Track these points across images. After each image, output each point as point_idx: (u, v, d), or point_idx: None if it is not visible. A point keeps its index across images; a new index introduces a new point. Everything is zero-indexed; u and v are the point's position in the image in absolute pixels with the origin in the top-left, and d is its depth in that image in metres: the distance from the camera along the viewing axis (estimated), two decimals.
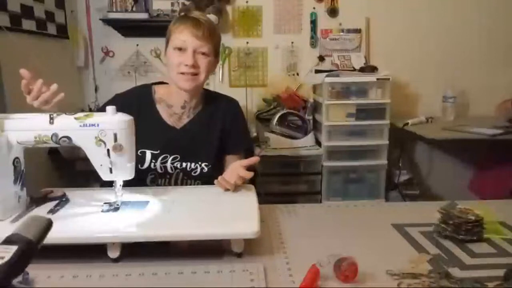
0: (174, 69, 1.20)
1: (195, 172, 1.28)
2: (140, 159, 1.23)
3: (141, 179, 1.24)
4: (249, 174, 1.12)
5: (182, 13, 1.28)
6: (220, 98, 1.37)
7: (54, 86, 1.00)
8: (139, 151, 1.22)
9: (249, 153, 1.31)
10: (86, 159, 0.94)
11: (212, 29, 1.22)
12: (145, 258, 0.83)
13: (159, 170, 1.26)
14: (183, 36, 1.18)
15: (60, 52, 2.35)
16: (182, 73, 1.19)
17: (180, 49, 1.19)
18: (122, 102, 1.24)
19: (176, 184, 1.28)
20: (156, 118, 1.28)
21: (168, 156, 1.26)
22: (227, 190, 1.10)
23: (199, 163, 1.27)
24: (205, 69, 1.21)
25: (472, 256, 0.87)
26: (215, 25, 1.25)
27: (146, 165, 1.25)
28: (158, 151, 1.25)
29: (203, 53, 1.19)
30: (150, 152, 1.25)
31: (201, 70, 1.21)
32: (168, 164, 1.26)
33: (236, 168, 1.13)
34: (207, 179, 1.23)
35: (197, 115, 1.31)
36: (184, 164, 1.27)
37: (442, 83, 2.55)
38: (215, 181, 1.11)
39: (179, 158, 1.26)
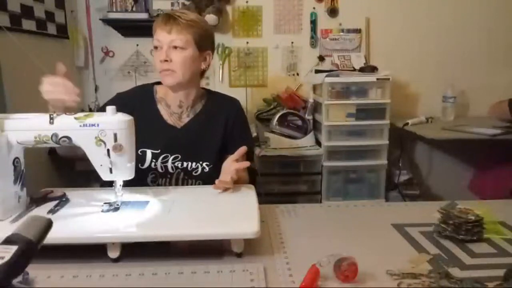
0: (157, 68, 1.22)
1: (196, 172, 1.28)
2: (140, 159, 1.23)
3: (142, 178, 1.24)
4: (244, 164, 1.12)
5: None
6: (221, 98, 1.38)
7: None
8: (139, 150, 1.22)
9: (249, 154, 1.31)
10: (84, 159, 0.94)
11: (188, 21, 1.19)
12: (145, 258, 0.83)
13: (159, 170, 1.26)
14: (157, 35, 1.20)
15: (60, 52, 2.35)
16: (162, 71, 1.20)
17: (156, 48, 1.21)
18: (123, 101, 1.25)
19: (176, 183, 1.28)
20: (157, 117, 1.28)
21: (169, 155, 1.26)
22: (226, 189, 1.10)
23: (200, 162, 1.27)
24: (181, 63, 1.19)
25: (472, 256, 0.87)
26: (194, 17, 1.22)
27: (146, 164, 1.25)
28: (159, 151, 1.25)
29: (176, 47, 1.18)
30: (150, 151, 1.25)
31: (177, 65, 1.19)
32: (169, 164, 1.26)
33: (228, 165, 1.14)
34: (208, 179, 1.23)
35: (197, 115, 1.31)
36: (185, 164, 1.27)
37: (442, 83, 2.54)
38: (213, 186, 1.10)
39: (180, 157, 1.26)
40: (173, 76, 1.20)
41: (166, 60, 1.18)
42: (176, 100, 1.28)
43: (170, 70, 1.19)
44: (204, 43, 1.24)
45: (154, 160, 1.25)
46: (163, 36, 1.18)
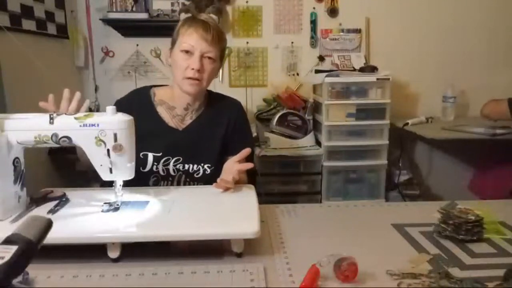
0: (179, 72, 1.20)
1: (197, 174, 1.27)
2: (142, 162, 1.22)
3: (144, 181, 1.24)
4: (247, 165, 1.12)
5: (190, 15, 1.28)
6: (223, 99, 1.37)
7: (78, 95, 1.02)
8: (141, 154, 1.21)
9: (250, 155, 1.31)
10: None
11: (221, 33, 1.22)
12: (145, 258, 0.83)
13: (161, 173, 1.26)
14: (192, 40, 1.17)
15: (60, 52, 2.35)
16: (188, 78, 1.19)
17: (187, 52, 1.18)
18: (123, 107, 1.24)
19: (178, 186, 1.27)
20: (157, 120, 1.27)
21: (171, 158, 1.26)
22: (227, 189, 1.09)
23: (202, 164, 1.27)
24: (209, 74, 1.21)
25: (472, 256, 0.87)
26: (222, 30, 1.25)
27: (148, 167, 1.24)
28: (160, 154, 1.25)
29: (210, 58, 1.19)
30: (152, 154, 1.24)
31: (206, 75, 1.20)
32: (171, 167, 1.26)
33: (230, 165, 1.14)
34: (209, 180, 1.22)
35: (199, 116, 1.30)
36: (186, 166, 1.27)
37: (442, 83, 2.54)
38: (214, 184, 1.10)
39: (181, 160, 1.26)
40: (199, 85, 1.21)
41: (198, 70, 1.17)
42: (184, 103, 1.27)
43: (198, 79, 1.19)
44: (223, 56, 1.28)
45: (155, 163, 1.25)
46: (201, 44, 1.17)
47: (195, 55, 1.17)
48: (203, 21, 1.20)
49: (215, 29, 1.19)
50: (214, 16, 2.30)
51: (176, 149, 1.25)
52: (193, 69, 1.17)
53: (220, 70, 2.57)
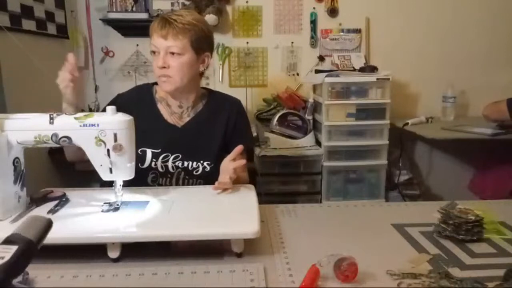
0: (155, 73, 1.22)
1: (196, 171, 1.28)
2: (140, 158, 1.23)
3: (142, 178, 1.24)
4: (240, 162, 1.12)
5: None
6: (223, 98, 1.38)
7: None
8: (139, 150, 1.21)
9: (250, 153, 1.31)
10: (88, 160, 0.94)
11: (185, 24, 1.17)
12: (145, 258, 0.83)
13: (160, 169, 1.26)
14: (154, 40, 1.19)
15: (60, 52, 2.34)
16: (159, 76, 1.20)
17: (155, 53, 1.20)
18: (124, 101, 1.25)
19: (177, 183, 1.28)
20: (157, 116, 1.28)
21: (170, 155, 1.26)
22: (226, 190, 1.09)
23: (201, 162, 1.27)
24: (178, 69, 1.19)
25: (472, 256, 0.87)
26: (191, 19, 1.20)
27: (146, 164, 1.24)
28: (159, 150, 1.25)
29: (173, 53, 1.17)
30: (150, 151, 1.25)
31: (175, 71, 1.19)
32: (170, 163, 1.26)
33: (225, 166, 1.14)
34: (209, 178, 1.23)
35: (198, 114, 1.31)
36: (185, 163, 1.27)
37: (442, 83, 2.54)
38: (212, 187, 1.10)
39: (180, 157, 1.26)
40: (171, 82, 1.20)
41: (163, 67, 1.18)
42: (176, 101, 1.28)
43: (168, 76, 1.19)
44: (202, 45, 1.23)
45: (154, 160, 1.25)
46: (160, 42, 1.17)
47: (160, 54, 1.18)
48: (161, 17, 1.20)
49: (173, 23, 1.16)
50: (214, 16, 2.31)
51: (175, 145, 1.26)
52: (159, 67, 1.18)
53: (220, 70, 2.60)
